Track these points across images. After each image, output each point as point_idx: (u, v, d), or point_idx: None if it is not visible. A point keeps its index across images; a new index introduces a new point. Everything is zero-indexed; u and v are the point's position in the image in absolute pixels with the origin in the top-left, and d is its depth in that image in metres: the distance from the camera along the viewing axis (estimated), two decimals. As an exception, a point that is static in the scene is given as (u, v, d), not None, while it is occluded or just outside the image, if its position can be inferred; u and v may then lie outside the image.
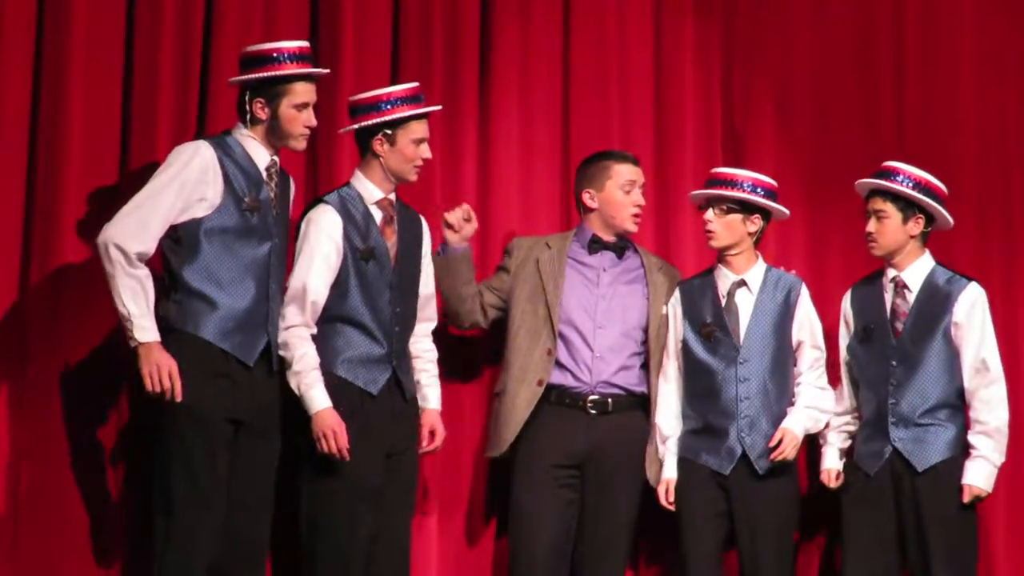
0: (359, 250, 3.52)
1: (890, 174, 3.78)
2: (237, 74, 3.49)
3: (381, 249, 3.57)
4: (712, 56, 4.47)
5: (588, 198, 3.82)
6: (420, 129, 3.56)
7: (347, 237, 3.51)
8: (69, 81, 3.68)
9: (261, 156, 3.41)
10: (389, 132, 3.54)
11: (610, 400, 3.76)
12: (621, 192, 3.79)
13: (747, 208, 3.74)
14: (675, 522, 3.79)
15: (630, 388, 3.79)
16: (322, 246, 3.48)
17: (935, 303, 3.76)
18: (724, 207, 3.75)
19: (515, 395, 3.73)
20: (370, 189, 3.57)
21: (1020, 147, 4.61)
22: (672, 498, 3.75)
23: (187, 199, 3.28)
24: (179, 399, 3.17)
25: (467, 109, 4.18)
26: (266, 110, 3.39)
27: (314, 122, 3.43)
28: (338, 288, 3.51)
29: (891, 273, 3.83)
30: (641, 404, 3.81)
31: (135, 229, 3.23)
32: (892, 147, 4.31)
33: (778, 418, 3.72)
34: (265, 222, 3.38)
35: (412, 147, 3.55)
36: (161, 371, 3.16)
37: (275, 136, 3.42)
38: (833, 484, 3.81)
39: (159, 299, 3.28)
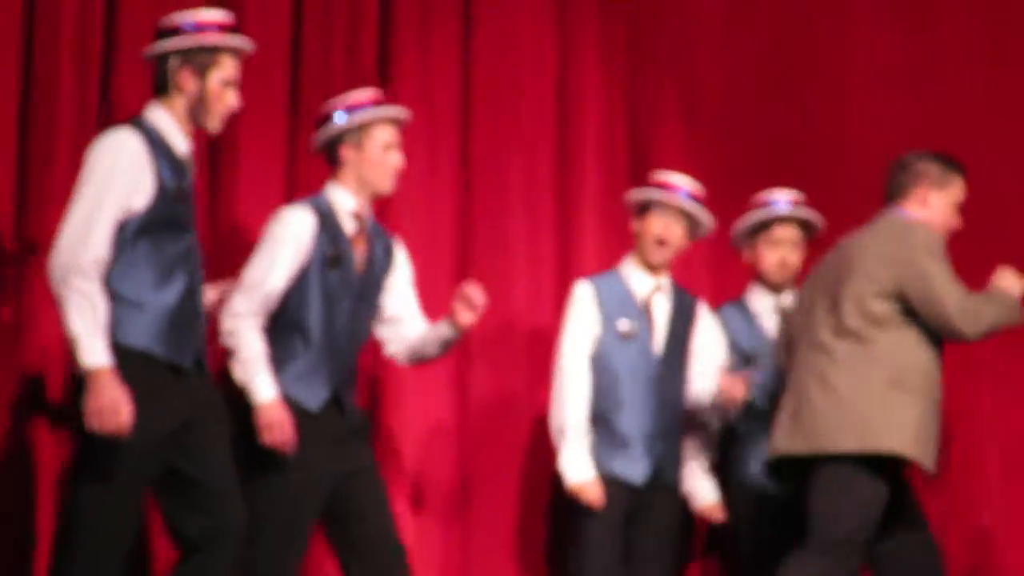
0: (327, 256, 3.53)
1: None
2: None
3: (347, 258, 3.59)
4: (616, 63, 4.60)
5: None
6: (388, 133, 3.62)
7: (317, 241, 3.52)
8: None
9: (180, 141, 3.31)
10: (355, 139, 3.60)
11: None
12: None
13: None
14: None
15: None
16: (287, 244, 3.48)
17: None
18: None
19: None
20: (343, 199, 3.58)
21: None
22: None
23: (127, 195, 3.17)
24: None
25: None
26: (194, 82, 3.29)
27: (236, 104, 3.35)
28: (297, 291, 3.51)
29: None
30: None
31: (83, 243, 3.12)
32: (791, 155, 4.48)
33: None
34: (188, 212, 3.30)
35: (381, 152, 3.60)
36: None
37: (198, 112, 3.30)
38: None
39: None
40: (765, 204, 4.07)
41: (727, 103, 4.68)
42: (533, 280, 4.40)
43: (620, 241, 4.43)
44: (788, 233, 4.03)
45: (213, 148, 3.96)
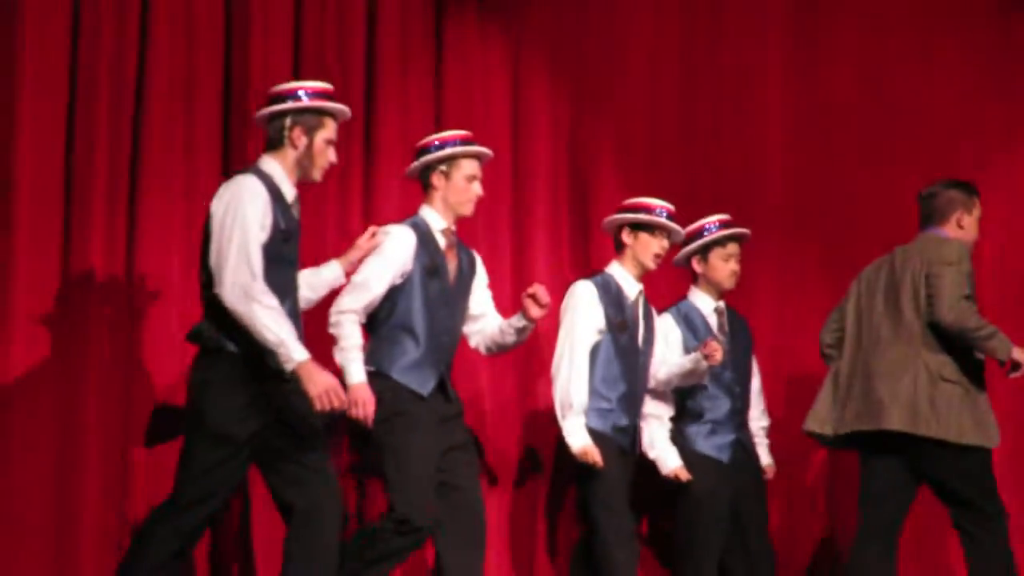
0: (426, 267, 4.00)
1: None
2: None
3: (443, 269, 4.06)
4: (561, 107, 5.17)
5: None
6: (470, 166, 4.08)
7: (418, 256, 3.99)
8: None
9: (288, 188, 3.68)
10: (445, 168, 4.07)
11: None
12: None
13: None
14: None
15: None
16: (397, 257, 3.95)
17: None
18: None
19: None
20: (434, 219, 4.06)
21: (818, 193, 5.47)
22: None
23: (261, 228, 3.54)
24: None
25: (355, 156, 4.76)
26: (303, 139, 3.70)
27: (335, 160, 3.79)
28: (404, 298, 3.96)
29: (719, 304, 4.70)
30: None
31: (247, 268, 3.48)
32: (706, 180, 5.13)
33: None
34: (294, 250, 3.69)
35: (464, 182, 4.07)
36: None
37: (305, 165, 3.72)
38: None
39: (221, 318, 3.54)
40: (709, 226, 4.66)
41: (652, 139, 5.27)
42: (495, 287, 4.65)
43: (562, 253, 5.11)
44: (737, 248, 4.66)
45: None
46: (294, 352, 3.45)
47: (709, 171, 5.22)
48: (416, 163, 4.09)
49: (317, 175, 3.76)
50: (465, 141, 4.13)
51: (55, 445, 4.27)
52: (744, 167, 5.34)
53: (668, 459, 4.53)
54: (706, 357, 4.33)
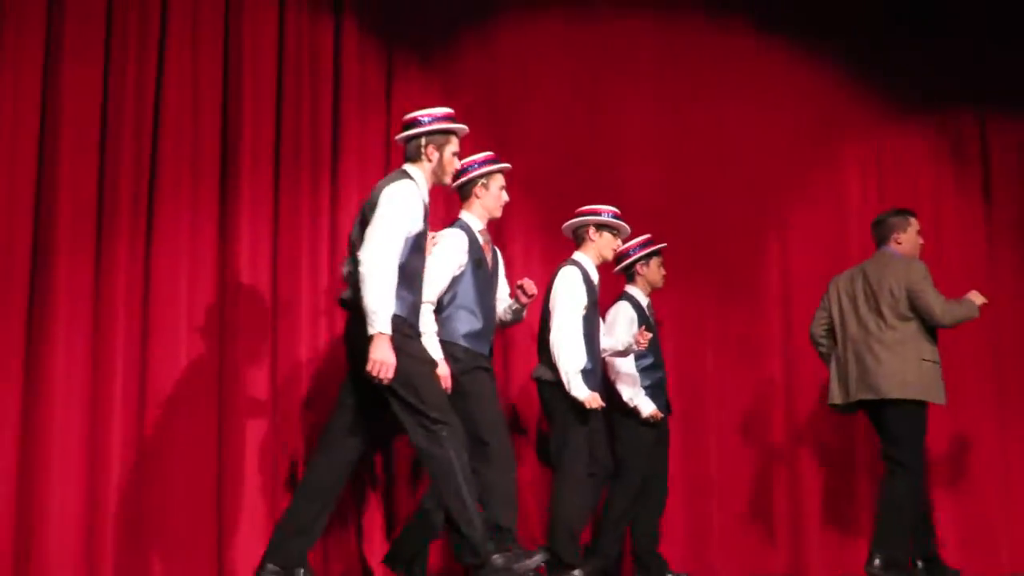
0: (476, 260, 4.81)
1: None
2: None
3: (485, 261, 4.85)
4: (481, 136, 5.77)
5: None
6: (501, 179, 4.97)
7: (469, 251, 4.81)
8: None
9: (426, 193, 4.41)
10: (484, 182, 4.93)
11: None
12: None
13: None
14: None
15: None
16: (455, 255, 4.76)
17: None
18: None
19: None
20: (475, 222, 4.89)
21: (681, 205, 6.42)
22: None
23: (412, 220, 4.26)
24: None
25: (322, 192, 5.64)
26: (435, 154, 4.47)
27: (458, 167, 4.59)
28: (463, 285, 4.74)
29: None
30: None
31: (389, 248, 4.17)
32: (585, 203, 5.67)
33: None
34: (425, 242, 4.40)
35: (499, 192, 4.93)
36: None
37: (437, 174, 4.48)
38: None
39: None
40: (649, 240, 5.77)
41: (554, 172, 6.21)
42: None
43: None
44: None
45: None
46: (381, 324, 4.12)
47: (586, 197, 5.74)
48: (462, 179, 4.88)
49: (448, 180, 4.59)
50: (496, 160, 5.02)
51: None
52: (612, 189, 6.08)
53: (645, 406, 5.62)
54: (637, 343, 5.45)
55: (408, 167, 4.48)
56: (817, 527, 6.53)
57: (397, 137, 4.57)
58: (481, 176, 4.96)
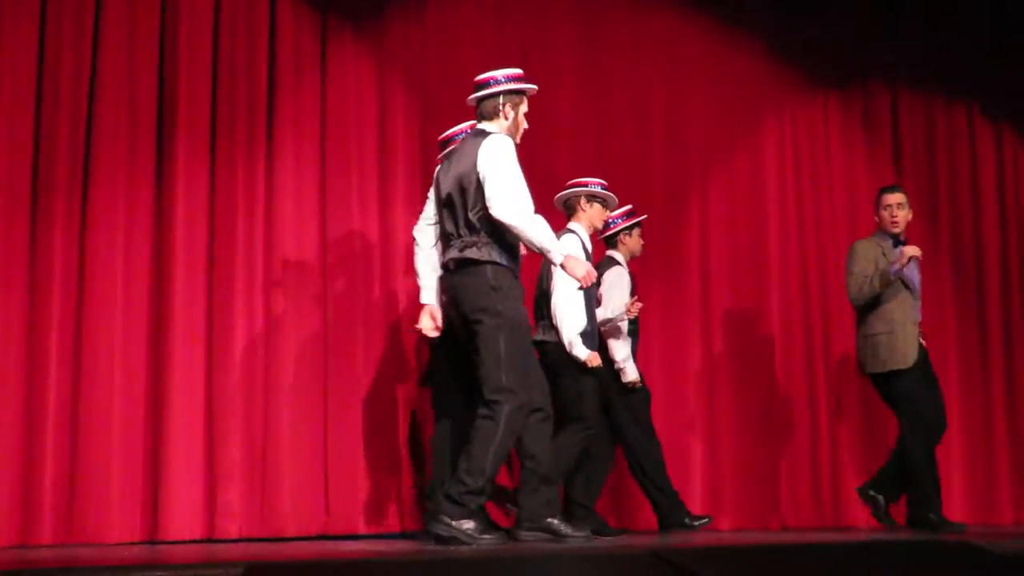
0: None
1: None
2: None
3: None
4: (414, 114, 6.17)
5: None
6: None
7: None
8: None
9: None
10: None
11: None
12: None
13: None
14: None
15: None
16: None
17: None
18: None
19: None
20: None
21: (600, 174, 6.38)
22: None
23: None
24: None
25: (258, 152, 5.75)
26: (511, 113, 4.68)
27: (527, 126, 4.76)
28: None
29: None
30: None
31: (523, 192, 4.46)
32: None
33: None
34: None
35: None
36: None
37: (511, 131, 4.67)
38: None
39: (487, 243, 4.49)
40: (632, 211, 6.02)
41: None
42: (365, 248, 5.88)
43: (416, 223, 5.84)
44: None
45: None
46: (559, 251, 4.46)
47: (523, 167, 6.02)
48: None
49: (519, 138, 4.74)
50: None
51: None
52: (547, 169, 6.27)
53: (631, 372, 5.92)
54: (628, 312, 5.76)
55: (485, 125, 4.68)
56: (730, 476, 6.85)
57: (471, 97, 4.70)
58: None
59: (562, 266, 4.47)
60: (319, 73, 6.03)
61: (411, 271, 5.86)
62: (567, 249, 4.67)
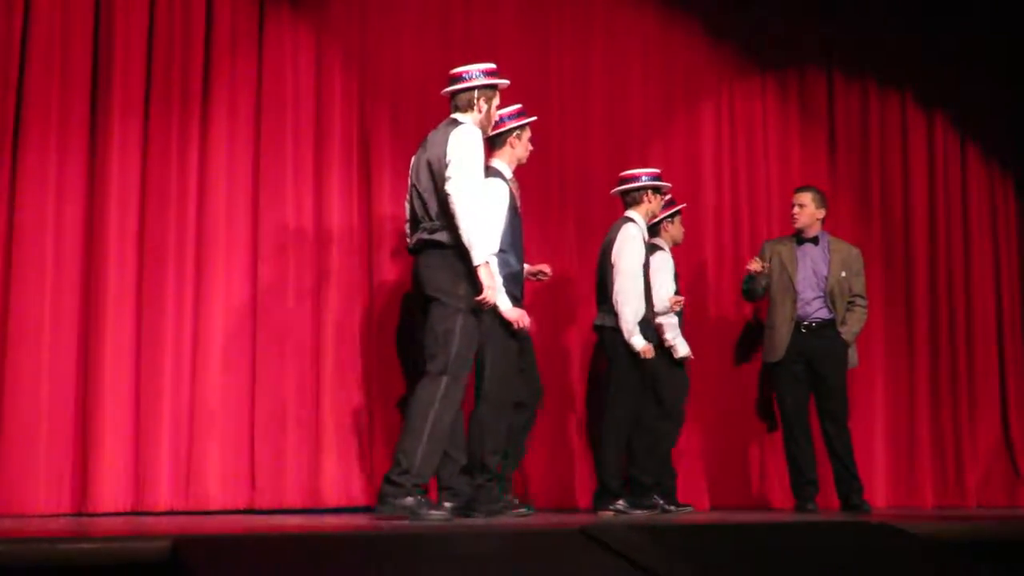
0: (513, 207, 5.25)
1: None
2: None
3: (517, 206, 5.26)
4: (351, 88, 6.12)
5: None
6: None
7: (510, 197, 5.27)
8: None
9: None
10: (519, 132, 5.39)
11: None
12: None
13: None
14: None
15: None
16: (503, 203, 5.18)
17: None
18: None
19: None
20: (506, 169, 5.36)
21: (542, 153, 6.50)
22: None
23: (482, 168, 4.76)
24: None
25: (192, 123, 5.69)
26: (484, 106, 4.92)
27: (497, 118, 5.07)
28: (503, 230, 5.12)
29: None
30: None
31: (477, 185, 4.66)
32: None
33: None
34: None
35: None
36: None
37: (483, 124, 4.93)
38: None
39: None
40: (672, 200, 6.28)
41: (420, 112, 6.14)
42: (302, 222, 5.86)
43: (351, 195, 6.03)
44: None
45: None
46: (482, 255, 4.63)
47: None
48: (499, 129, 5.31)
49: (489, 130, 5.06)
50: (525, 113, 5.49)
51: None
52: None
53: (681, 348, 6.26)
54: (672, 308, 6.14)
55: (458, 116, 4.89)
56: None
57: (445, 90, 4.95)
58: (517, 128, 5.41)
59: (477, 268, 4.61)
60: (256, 46, 5.98)
61: (343, 244, 6.05)
62: (491, 251, 4.81)
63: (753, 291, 6.51)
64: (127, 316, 5.56)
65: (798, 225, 6.40)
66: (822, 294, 6.30)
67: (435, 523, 4.40)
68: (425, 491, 4.64)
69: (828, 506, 6.69)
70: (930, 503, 7.55)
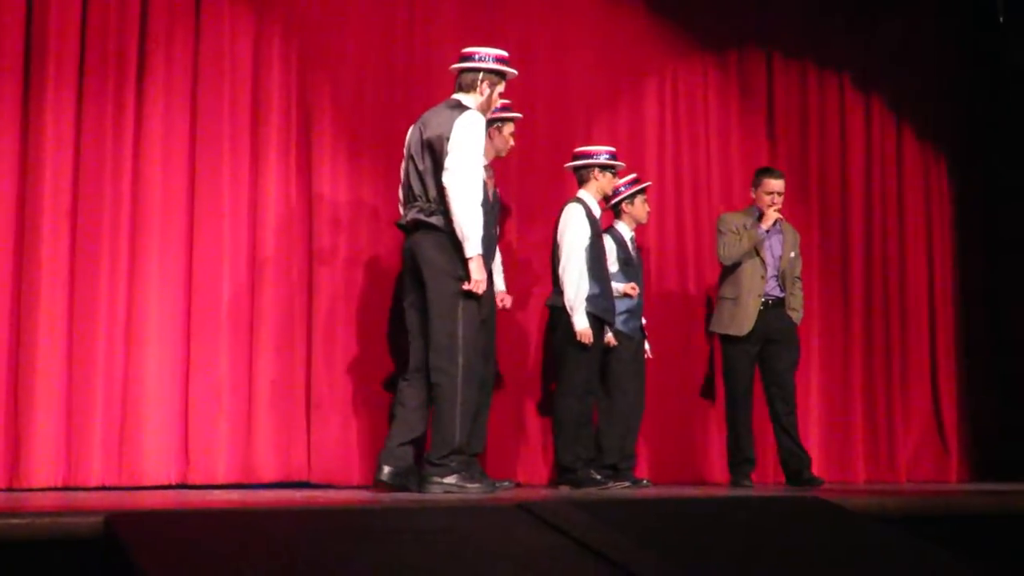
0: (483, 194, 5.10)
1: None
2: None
3: (487, 194, 5.13)
4: (292, 69, 6.03)
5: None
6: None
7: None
8: None
9: None
10: (499, 125, 5.50)
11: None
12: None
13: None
14: None
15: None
16: None
17: None
18: None
19: None
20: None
21: None
22: None
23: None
24: None
25: (127, 98, 5.59)
26: (487, 90, 4.99)
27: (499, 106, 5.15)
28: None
29: None
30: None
31: (477, 180, 4.74)
32: (399, 129, 5.73)
33: None
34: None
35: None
36: None
37: (483, 107, 4.99)
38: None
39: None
40: (636, 179, 6.29)
41: (360, 88, 6.18)
42: (239, 198, 5.81)
43: (289, 173, 5.96)
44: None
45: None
46: (475, 247, 4.73)
47: (405, 115, 5.87)
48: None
49: (489, 115, 5.09)
50: (509, 109, 5.55)
51: None
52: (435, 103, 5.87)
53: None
54: (626, 294, 6.11)
55: (461, 96, 4.97)
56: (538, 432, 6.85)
57: (454, 67, 5.04)
58: (497, 120, 5.46)
59: (469, 259, 4.74)
60: (193, 16, 5.86)
61: (281, 219, 5.99)
62: (477, 249, 4.81)
63: (746, 252, 6.35)
64: (60, 290, 5.47)
65: (777, 210, 6.39)
66: (776, 273, 6.35)
67: (475, 495, 4.72)
68: (469, 464, 4.97)
69: (762, 481, 6.78)
70: (862, 478, 7.66)
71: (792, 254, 6.45)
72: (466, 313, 4.80)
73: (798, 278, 6.53)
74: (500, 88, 5.03)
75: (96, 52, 5.60)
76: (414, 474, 5.01)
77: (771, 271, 6.33)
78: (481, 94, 4.97)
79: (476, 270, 4.73)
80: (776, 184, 6.38)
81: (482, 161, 4.83)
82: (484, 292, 5.03)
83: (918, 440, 8.05)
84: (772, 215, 6.27)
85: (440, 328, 4.82)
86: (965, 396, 8.24)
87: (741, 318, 6.27)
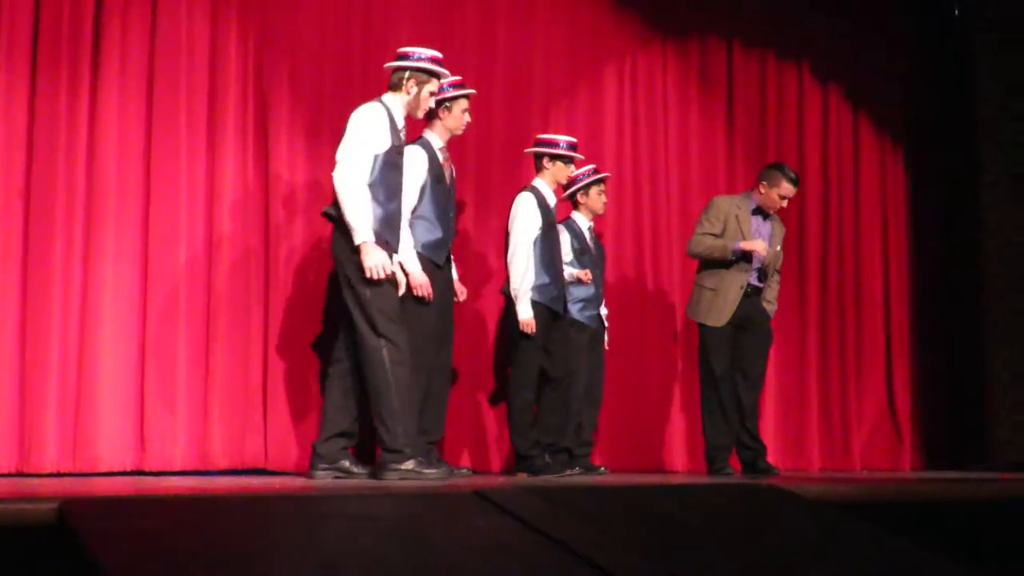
0: (436, 175, 5.26)
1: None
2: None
3: (443, 176, 5.29)
4: (249, 49, 6.01)
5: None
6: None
7: (430, 167, 5.28)
8: None
9: (400, 119, 4.95)
10: (448, 104, 5.38)
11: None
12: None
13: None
14: None
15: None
16: (415, 172, 5.22)
17: None
18: None
19: None
20: (436, 139, 5.36)
21: None
22: None
23: (379, 140, 4.78)
24: None
25: (83, 79, 5.54)
26: (414, 89, 4.97)
27: (429, 108, 5.10)
28: (423, 197, 5.21)
29: None
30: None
31: (362, 167, 4.70)
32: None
33: None
34: (402, 161, 4.93)
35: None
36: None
37: (412, 106, 4.99)
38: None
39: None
40: (595, 169, 6.32)
41: (318, 74, 6.20)
42: (194, 182, 5.78)
43: (246, 158, 5.93)
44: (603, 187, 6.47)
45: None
46: (361, 233, 4.70)
47: (362, 98, 5.56)
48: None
49: (419, 115, 5.10)
50: (462, 86, 5.51)
51: None
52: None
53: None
54: (580, 280, 6.13)
55: (386, 95, 4.98)
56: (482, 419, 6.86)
57: (385, 65, 5.08)
58: (447, 99, 5.41)
59: (359, 248, 4.71)
60: (150, 10, 5.84)
61: (237, 203, 5.97)
62: (369, 236, 4.78)
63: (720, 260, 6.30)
64: (12, 274, 5.42)
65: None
66: (760, 265, 6.30)
67: (433, 480, 4.69)
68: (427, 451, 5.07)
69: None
70: (817, 466, 7.73)
71: (778, 248, 6.43)
72: (375, 296, 4.77)
73: (777, 271, 6.53)
74: (430, 88, 5.02)
75: (50, 33, 5.54)
76: (348, 467, 5.05)
77: (756, 263, 6.28)
78: (408, 93, 4.98)
79: (367, 255, 4.70)
80: (792, 191, 6.30)
81: (370, 149, 4.80)
82: (439, 277, 5.12)
83: (872, 428, 8.13)
84: (760, 250, 6.17)
85: (357, 315, 4.83)
86: (919, 385, 8.32)
87: (720, 308, 6.20)
